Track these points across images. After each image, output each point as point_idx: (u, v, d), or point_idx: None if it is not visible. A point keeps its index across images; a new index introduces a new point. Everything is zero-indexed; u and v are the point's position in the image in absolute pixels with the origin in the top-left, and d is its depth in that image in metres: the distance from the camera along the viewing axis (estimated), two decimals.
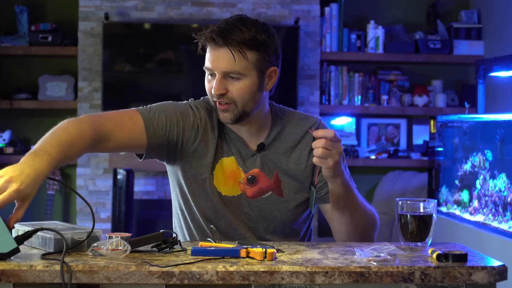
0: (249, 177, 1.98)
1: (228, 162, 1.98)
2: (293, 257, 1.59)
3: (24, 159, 1.62)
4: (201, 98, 2.05)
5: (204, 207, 1.98)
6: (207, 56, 1.91)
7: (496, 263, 1.54)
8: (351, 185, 1.93)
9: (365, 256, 1.57)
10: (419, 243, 1.74)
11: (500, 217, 3.36)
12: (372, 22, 5.02)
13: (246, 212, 1.98)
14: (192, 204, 1.99)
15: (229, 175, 1.98)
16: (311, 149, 1.89)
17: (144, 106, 1.96)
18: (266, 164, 2.00)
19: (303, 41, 4.86)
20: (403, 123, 5.23)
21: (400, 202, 1.77)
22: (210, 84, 1.91)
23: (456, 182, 3.91)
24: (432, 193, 4.32)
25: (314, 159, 1.80)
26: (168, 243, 1.65)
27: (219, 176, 1.97)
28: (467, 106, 4.18)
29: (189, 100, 2.03)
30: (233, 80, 1.89)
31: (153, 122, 1.92)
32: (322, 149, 1.77)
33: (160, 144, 1.94)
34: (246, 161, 1.99)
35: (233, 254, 1.58)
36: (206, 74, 1.94)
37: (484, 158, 3.55)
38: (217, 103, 1.91)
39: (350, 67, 5.08)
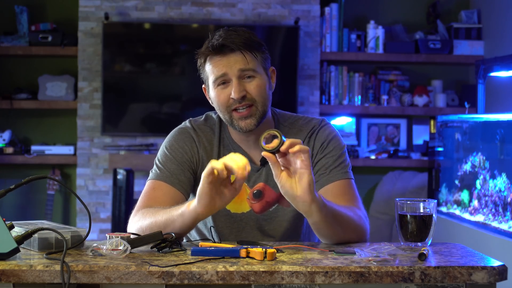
0: (254, 192, 1.97)
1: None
2: (293, 257, 1.59)
3: None
4: (203, 116, 2.06)
5: (217, 222, 1.99)
6: (214, 66, 1.91)
7: (496, 263, 1.54)
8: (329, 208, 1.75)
9: (365, 256, 1.57)
10: (419, 243, 1.74)
11: (500, 217, 3.36)
12: (372, 22, 5.02)
13: (257, 228, 1.99)
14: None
15: None
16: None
17: (155, 168, 1.99)
18: (271, 176, 1.99)
19: (303, 41, 4.86)
20: (403, 123, 5.23)
21: (400, 202, 1.76)
22: (224, 94, 1.91)
23: (456, 182, 3.91)
24: (432, 193, 4.32)
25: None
26: (167, 242, 1.65)
27: None
28: (467, 106, 4.18)
29: (187, 122, 2.05)
30: (249, 80, 1.90)
31: (174, 176, 1.95)
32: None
33: (191, 182, 1.99)
34: (251, 177, 1.99)
35: (233, 254, 1.58)
36: (216, 87, 1.92)
37: (484, 158, 3.56)
38: (236, 111, 1.91)
39: (350, 67, 5.08)
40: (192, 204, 1.71)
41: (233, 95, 1.89)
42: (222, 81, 1.91)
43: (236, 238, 1.97)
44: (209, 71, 1.93)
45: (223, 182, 1.69)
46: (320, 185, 1.95)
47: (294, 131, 2.02)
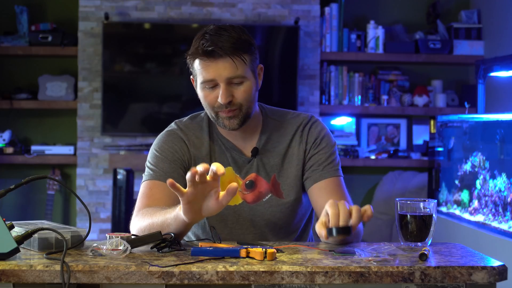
0: (247, 182, 1.98)
1: (225, 173, 1.98)
2: (293, 257, 1.59)
3: None
4: (188, 116, 2.09)
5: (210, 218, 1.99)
6: (203, 70, 1.91)
7: (496, 263, 1.54)
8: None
9: (365, 256, 1.57)
10: (419, 243, 1.74)
11: (500, 217, 3.36)
12: (372, 22, 5.02)
13: (250, 219, 1.99)
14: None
15: (227, 185, 1.98)
16: (300, 143, 2.00)
17: (148, 170, 2.00)
18: (262, 167, 2.01)
19: (303, 41, 4.86)
20: (403, 123, 5.23)
21: (400, 202, 1.76)
22: (211, 96, 1.92)
23: (456, 182, 3.91)
24: (432, 193, 4.32)
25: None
26: (166, 242, 1.65)
27: None
28: (467, 106, 4.18)
29: (173, 124, 2.06)
30: (236, 86, 1.91)
31: (168, 174, 1.95)
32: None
33: (184, 180, 1.96)
34: (242, 168, 2.01)
35: (233, 254, 1.58)
36: (203, 87, 1.94)
37: (484, 158, 3.55)
38: (221, 112, 1.92)
39: (350, 67, 5.08)
40: (180, 212, 1.71)
41: (220, 99, 1.90)
42: (210, 85, 1.92)
43: (229, 231, 1.98)
44: (198, 71, 1.93)
45: (207, 193, 1.67)
46: (313, 181, 1.99)
47: (284, 124, 2.05)
